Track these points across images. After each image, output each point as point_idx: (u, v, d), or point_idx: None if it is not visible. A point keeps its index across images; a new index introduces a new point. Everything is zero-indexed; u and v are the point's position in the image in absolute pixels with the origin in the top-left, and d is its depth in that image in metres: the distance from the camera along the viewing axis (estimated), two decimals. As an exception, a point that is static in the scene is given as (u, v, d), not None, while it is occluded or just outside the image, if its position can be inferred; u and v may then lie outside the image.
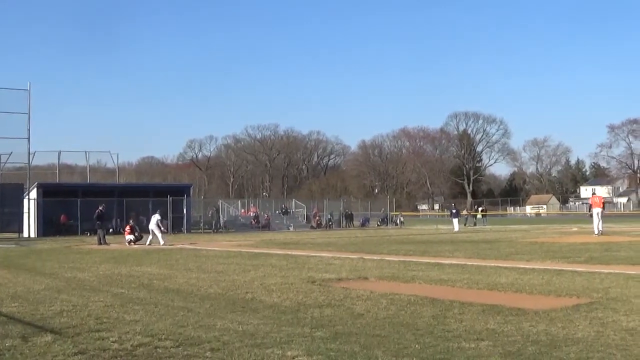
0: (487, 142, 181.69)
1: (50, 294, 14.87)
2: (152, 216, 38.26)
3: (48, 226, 56.12)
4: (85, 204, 54.73)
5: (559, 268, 18.91)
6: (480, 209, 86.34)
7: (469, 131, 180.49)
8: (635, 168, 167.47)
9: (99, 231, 39.45)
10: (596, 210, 38.29)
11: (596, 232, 37.54)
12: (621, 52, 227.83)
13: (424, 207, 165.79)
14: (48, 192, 58.08)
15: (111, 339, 9.42)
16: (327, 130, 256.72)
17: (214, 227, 63.53)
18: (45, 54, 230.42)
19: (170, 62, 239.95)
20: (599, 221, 37.88)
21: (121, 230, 47.78)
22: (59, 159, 65.46)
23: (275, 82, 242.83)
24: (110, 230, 51.01)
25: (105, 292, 15.09)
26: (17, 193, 55.65)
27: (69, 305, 12.91)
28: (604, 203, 40.34)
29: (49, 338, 9.52)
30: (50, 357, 8.41)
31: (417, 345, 8.72)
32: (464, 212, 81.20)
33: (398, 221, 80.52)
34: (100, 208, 40.92)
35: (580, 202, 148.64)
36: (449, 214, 61.03)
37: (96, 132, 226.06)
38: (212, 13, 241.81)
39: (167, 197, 58.09)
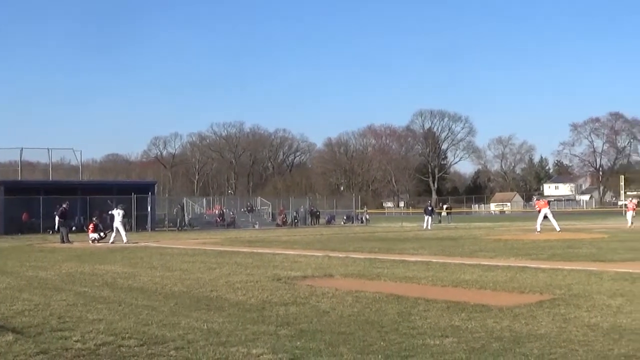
0: (452, 140, 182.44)
1: (11, 293, 14.78)
2: (115, 211, 37.83)
3: (10, 224, 55.48)
4: (47, 202, 54.39)
5: (523, 265, 19.05)
6: (445, 206, 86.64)
7: (434, 129, 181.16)
8: (597, 166, 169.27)
9: (62, 229, 39.17)
10: (544, 211, 38.99)
11: (538, 229, 38.12)
12: (584, 52, 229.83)
13: (389, 204, 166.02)
14: (9, 190, 57.45)
15: (74, 338, 9.37)
16: (292, 128, 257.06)
17: (178, 225, 63.25)
18: (5, 49, 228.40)
19: (134, 58, 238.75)
20: (547, 221, 38.49)
21: (85, 228, 47.50)
22: (20, 156, 64.86)
23: (240, 79, 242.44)
24: (74, 228, 50.65)
25: (68, 291, 15.01)
26: (-22, 191, 55.15)
27: (30, 304, 12.82)
28: (548, 202, 41.44)
29: (10, 338, 9.46)
30: (12, 357, 8.36)
31: (382, 343, 8.75)
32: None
33: (363, 219, 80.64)
34: (64, 206, 40.62)
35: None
36: (423, 210, 60.98)
37: (59, 129, 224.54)
38: (177, 10, 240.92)
39: (131, 194, 57.72)
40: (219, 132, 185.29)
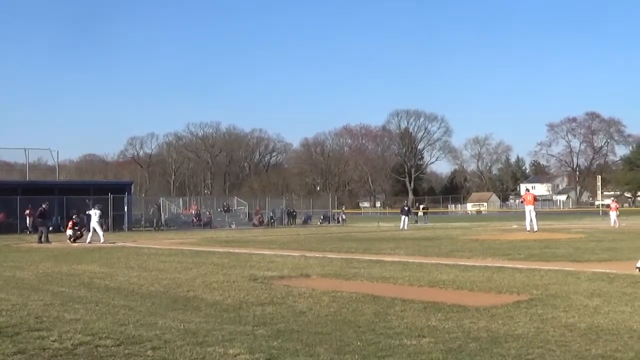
0: (429, 140, 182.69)
1: (-12, 293, 14.69)
2: (92, 212, 37.70)
3: (-14, 225, 55.33)
4: (24, 202, 54.23)
5: (500, 265, 19.10)
6: (421, 206, 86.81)
7: (411, 129, 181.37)
8: (574, 166, 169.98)
9: (42, 229, 38.92)
10: (528, 208, 38.78)
11: (528, 228, 37.92)
12: (560, 51, 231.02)
13: (366, 204, 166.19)
14: (-14, 190, 57.26)
15: (51, 338, 9.33)
16: (269, 128, 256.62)
17: (155, 225, 63.16)
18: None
19: (111, 58, 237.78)
20: (531, 219, 38.17)
21: (62, 228, 47.35)
22: (-3, 156, 64.58)
23: (217, 79, 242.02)
24: (50, 228, 50.47)
25: (45, 290, 14.95)
26: (-46, 191, 54.81)
27: (8, 304, 12.76)
28: (535, 200, 40.70)
29: (-12, 337, 9.41)
30: (-11, 357, 8.32)
31: (358, 343, 8.76)
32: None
33: (340, 219, 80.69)
34: (44, 206, 40.44)
35: (520, 200, 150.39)
36: (400, 210, 60.98)
37: (36, 129, 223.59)
38: (153, 10, 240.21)
39: (108, 194, 57.52)
40: (195, 132, 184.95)
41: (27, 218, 54.90)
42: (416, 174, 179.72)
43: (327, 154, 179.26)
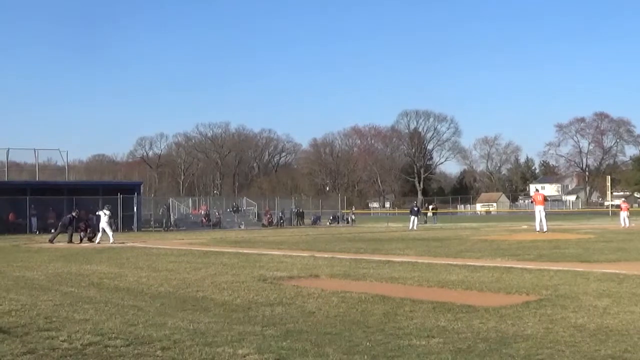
0: (438, 141, 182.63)
1: (-2, 293, 14.70)
2: (102, 212, 37.77)
3: (-4, 224, 55.42)
4: (34, 202, 54.30)
5: (509, 265, 19.07)
6: (431, 207, 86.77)
7: (420, 129, 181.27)
8: (583, 166, 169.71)
9: (69, 230, 38.81)
10: (538, 208, 38.64)
11: (537, 228, 37.78)
12: (568, 52, 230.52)
13: (375, 205, 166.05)
14: (-4, 190, 57.33)
15: (60, 338, 9.33)
16: (278, 129, 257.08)
17: (164, 225, 63.21)
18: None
19: (119, 59, 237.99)
20: (541, 219, 38.01)
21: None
22: (7, 156, 64.54)
23: (226, 79, 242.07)
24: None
25: (55, 291, 14.96)
26: (-36, 191, 54.92)
27: (17, 304, 12.77)
28: (544, 201, 40.43)
29: (-3, 338, 9.42)
30: (-1, 357, 8.33)
31: (368, 343, 8.75)
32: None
33: (349, 219, 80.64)
34: (73, 214, 40.38)
35: (530, 200, 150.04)
36: (409, 211, 60.94)
37: (46, 129, 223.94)
38: (162, 10, 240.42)
39: (117, 194, 57.60)
40: (204, 133, 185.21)
41: (30, 218, 55.13)
42: (425, 175, 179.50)
43: (336, 154, 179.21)
